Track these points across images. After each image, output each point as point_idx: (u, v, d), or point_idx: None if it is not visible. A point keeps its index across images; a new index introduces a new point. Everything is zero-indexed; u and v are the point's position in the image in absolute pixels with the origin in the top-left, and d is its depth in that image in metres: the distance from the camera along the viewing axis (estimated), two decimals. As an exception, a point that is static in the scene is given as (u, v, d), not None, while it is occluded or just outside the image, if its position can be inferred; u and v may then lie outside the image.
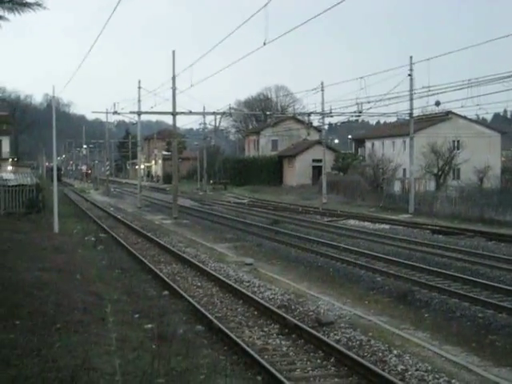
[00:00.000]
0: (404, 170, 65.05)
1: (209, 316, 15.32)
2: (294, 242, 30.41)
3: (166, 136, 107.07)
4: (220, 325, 14.44)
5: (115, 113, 54.81)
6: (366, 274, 21.85)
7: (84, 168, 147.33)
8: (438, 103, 52.36)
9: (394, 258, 24.59)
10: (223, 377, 10.99)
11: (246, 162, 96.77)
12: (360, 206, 53.42)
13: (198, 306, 16.41)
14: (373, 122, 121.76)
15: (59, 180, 70.26)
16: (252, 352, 12.43)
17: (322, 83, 57.63)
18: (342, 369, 11.99)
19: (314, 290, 19.69)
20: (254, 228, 36.88)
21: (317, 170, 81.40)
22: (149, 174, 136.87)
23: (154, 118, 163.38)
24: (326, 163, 64.82)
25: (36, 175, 54.43)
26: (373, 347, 13.31)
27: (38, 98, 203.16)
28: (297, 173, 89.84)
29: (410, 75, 46.76)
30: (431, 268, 22.29)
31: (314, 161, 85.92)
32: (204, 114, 62.56)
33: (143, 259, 24.58)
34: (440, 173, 61.06)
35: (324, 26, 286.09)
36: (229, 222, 40.83)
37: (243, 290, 18.62)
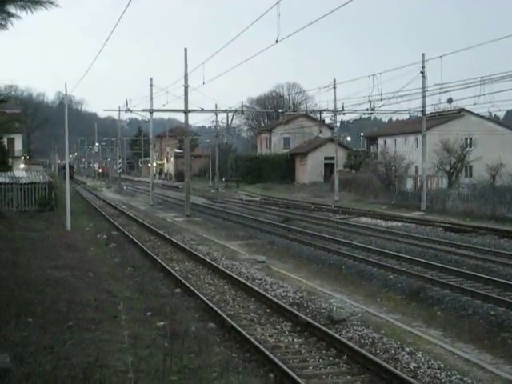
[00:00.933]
0: (416, 167, 64.87)
1: (221, 313, 15.33)
2: (306, 239, 30.39)
3: (178, 134, 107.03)
4: (232, 322, 14.45)
5: (127, 110, 54.92)
6: (379, 272, 21.81)
7: (96, 166, 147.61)
8: (450, 100, 52.12)
9: (407, 256, 24.53)
10: (236, 374, 11.02)
11: (258, 160, 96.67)
12: (372, 204, 53.32)
13: (211, 304, 16.42)
14: (385, 119, 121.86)
15: (71, 178, 70.53)
16: (264, 349, 12.43)
17: (334, 80, 57.67)
18: (354, 366, 11.99)
19: (327, 288, 19.68)
20: (266, 226, 36.88)
21: (329, 168, 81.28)
22: (161, 172, 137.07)
23: (166, 115, 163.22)
24: (338, 161, 64.71)
25: (48, 173, 54.66)
26: (385, 345, 13.29)
27: (50, 96, 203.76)
28: (309, 170, 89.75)
29: (422, 72, 46.63)
30: (443, 265, 22.24)
31: (326, 158, 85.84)
32: (216, 111, 62.61)
33: (155, 257, 24.62)
34: (452, 170, 60.85)
35: (336, 23, 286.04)
36: (241, 219, 40.84)
37: (255, 288, 18.63)
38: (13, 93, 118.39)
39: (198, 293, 17.84)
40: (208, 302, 16.71)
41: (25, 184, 41.50)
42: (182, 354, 11.57)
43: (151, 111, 56.22)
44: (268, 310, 16.41)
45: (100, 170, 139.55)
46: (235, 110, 54.82)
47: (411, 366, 11.94)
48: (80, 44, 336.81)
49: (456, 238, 30.21)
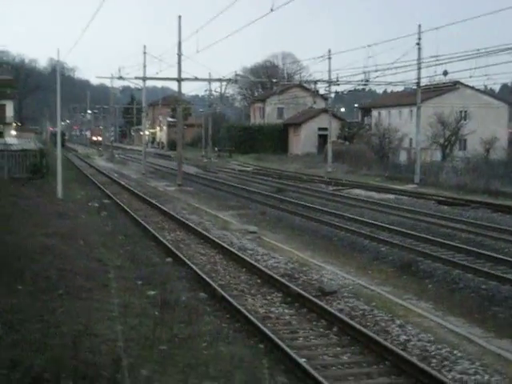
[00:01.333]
0: (410, 139, 64.83)
1: (212, 283, 15.30)
2: (298, 210, 30.35)
3: (171, 102, 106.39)
4: (223, 292, 14.42)
5: (120, 78, 54.53)
6: (370, 244, 21.81)
7: (88, 133, 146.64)
8: (445, 73, 51.71)
9: (399, 228, 24.53)
10: (226, 344, 11.01)
11: (251, 130, 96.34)
12: (365, 176, 53.28)
13: (201, 274, 16.39)
14: (380, 90, 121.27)
15: (63, 145, 70.14)
16: (255, 320, 12.42)
17: (329, 51, 57.33)
18: (344, 338, 11.99)
19: (318, 259, 19.67)
20: (258, 196, 36.83)
21: (322, 139, 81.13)
22: (153, 141, 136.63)
23: (159, 84, 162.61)
24: (331, 132, 64.59)
25: (40, 140, 54.41)
26: (376, 317, 13.30)
27: (42, 63, 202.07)
28: (302, 141, 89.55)
29: (418, 44, 46.36)
30: (435, 238, 22.23)
31: (319, 129, 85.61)
32: (210, 80, 62.13)
33: (147, 226, 24.54)
34: (446, 143, 60.84)
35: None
36: (233, 189, 40.78)
37: (246, 258, 18.61)
38: (4, 58, 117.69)
39: (189, 262, 17.80)
40: (199, 271, 16.67)
41: (16, 151, 41.30)
42: (172, 323, 11.55)
43: (144, 79, 55.89)
44: (259, 281, 16.39)
45: (95, 139, 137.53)
46: (229, 79, 54.52)
47: (401, 339, 11.94)
48: (73, 10, 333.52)
49: (449, 212, 30.23)
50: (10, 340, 9.72)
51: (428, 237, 22.60)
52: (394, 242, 21.61)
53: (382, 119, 76.17)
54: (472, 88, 69.90)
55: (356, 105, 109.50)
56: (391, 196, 37.84)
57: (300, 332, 12.44)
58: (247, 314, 12.88)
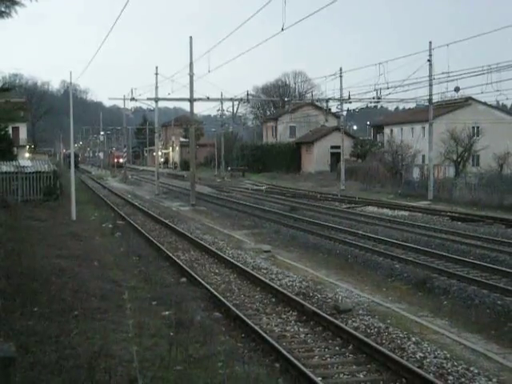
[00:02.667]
0: (423, 156, 64.70)
1: (226, 303, 15.30)
2: (312, 228, 30.31)
3: (184, 122, 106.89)
4: (238, 312, 14.42)
5: (132, 99, 54.84)
6: (385, 261, 21.74)
7: (101, 155, 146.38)
8: (457, 89, 51.81)
9: (413, 245, 24.46)
10: (241, 364, 10.97)
11: (263, 149, 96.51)
12: (378, 193, 53.23)
13: (216, 293, 16.39)
14: (392, 108, 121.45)
15: (76, 167, 70.50)
16: (270, 339, 12.40)
17: (340, 69, 57.52)
18: (360, 356, 11.94)
19: (332, 277, 19.63)
20: (271, 215, 36.81)
21: (335, 157, 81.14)
22: (166, 161, 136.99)
23: (171, 104, 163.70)
24: (344, 150, 64.62)
25: (53, 162, 54.66)
26: (391, 334, 13.24)
27: (55, 85, 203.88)
28: (315, 159, 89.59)
29: (429, 61, 46.46)
30: (450, 255, 22.16)
31: (332, 147, 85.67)
32: (221, 100, 62.48)
33: (161, 246, 24.58)
34: (459, 159, 60.65)
35: (342, 11, 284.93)
36: (247, 208, 40.78)
37: (261, 277, 18.58)
38: (17, 81, 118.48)
39: (204, 282, 17.80)
40: (213, 291, 16.67)
41: (30, 173, 41.47)
42: (187, 343, 11.54)
43: (156, 100, 56.19)
44: (274, 300, 16.37)
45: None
46: (241, 99, 54.67)
47: (417, 356, 11.88)
48: (85, 33, 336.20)
49: (463, 228, 30.12)
50: (26, 362, 9.72)
51: (442, 253, 22.52)
52: (408, 259, 21.54)
53: (394, 136, 76.08)
54: (484, 104, 69.86)
55: (368, 122, 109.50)
56: (405, 213, 37.74)
57: (315, 350, 12.40)
58: (262, 333, 12.86)
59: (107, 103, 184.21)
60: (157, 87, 56.76)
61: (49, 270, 17.30)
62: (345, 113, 73.91)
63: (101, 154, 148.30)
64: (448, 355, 11.91)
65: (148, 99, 55.93)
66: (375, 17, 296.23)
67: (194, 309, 14.83)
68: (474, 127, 66.17)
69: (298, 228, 30.77)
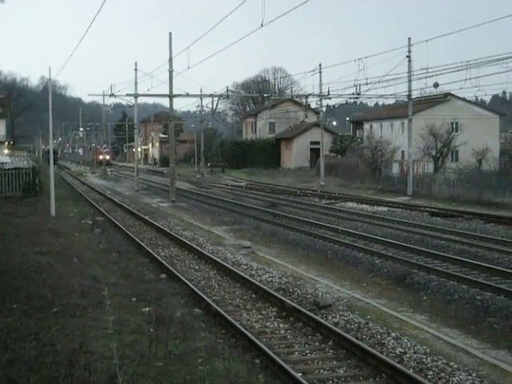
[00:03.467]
0: (402, 152, 64.97)
1: (206, 299, 15.28)
2: (292, 224, 30.35)
3: (163, 119, 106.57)
4: (218, 308, 14.40)
5: (112, 95, 54.47)
6: (364, 257, 21.81)
7: (81, 151, 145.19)
8: (436, 85, 52.00)
9: (392, 241, 24.56)
10: (221, 360, 10.96)
11: (243, 145, 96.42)
12: (358, 189, 53.35)
13: (196, 289, 16.36)
14: (371, 103, 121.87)
15: (56, 163, 70.07)
16: (250, 335, 12.39)
17: (319, 65, 57.62)
18: (340, 351, 11.96)
19: (312, 273, 19.67)
20: (251, 211, 36.81)
21: (315, 153, 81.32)
22: (146, 157, 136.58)
23: (150, 100, 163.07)
24: (323, 145, 64.72)
25: (32, 158, 54.31)
26: (371, 330, 13.28)
27: (34, 81, 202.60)
28: (294, 155, 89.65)
29: (408, 57, 46.57)
30: (429, 250, 22.27)
31: (311, 143, 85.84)
32: (201, 96, 62.19)
33: (140, 242, 24.51)
34: (438, 155, 60.92)
35: (321, 7, 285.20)
36: (226, 204, 40.74)
37: (241, 273, 18.58)
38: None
39: (184, 278, 17.77)
40: (193, 287, 16.65)
41: (9, 169, 41.19)
42: (167, 339, 11.50)
43: (136, 96, 55.99)
44: (254, 296, 16.37)
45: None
46: (220, 95, 54.53)
47: (397, 351, 11.93)
48: (64, 29, 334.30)
49: (442, 223, 30.28)
50: (6, 359, 9.66)
51: (422, 249, 22.63)
52: (388, 255, 21.62)
53: (373, 132, 76.24)
54: (463, 99, 70.19)
55: (348, 118, 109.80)
56: (384, 208, 37.87)
57: (296, 346, 12.42)
58: (242, 329, 12.85)
59: (86, 99, 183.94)
60: (136, 83, 56.63)
61: (28, 267, 17.19)
62: (324, 109, 74.26)
63: (80, 151, 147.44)
64: (428, 350, 11.95)
65: (127, 95, 55.70)
66: (355, 13, 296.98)
67: (173, 305, 14.80)
68: (452, 123, 66.54)
69: (277, 224, 30.79)
